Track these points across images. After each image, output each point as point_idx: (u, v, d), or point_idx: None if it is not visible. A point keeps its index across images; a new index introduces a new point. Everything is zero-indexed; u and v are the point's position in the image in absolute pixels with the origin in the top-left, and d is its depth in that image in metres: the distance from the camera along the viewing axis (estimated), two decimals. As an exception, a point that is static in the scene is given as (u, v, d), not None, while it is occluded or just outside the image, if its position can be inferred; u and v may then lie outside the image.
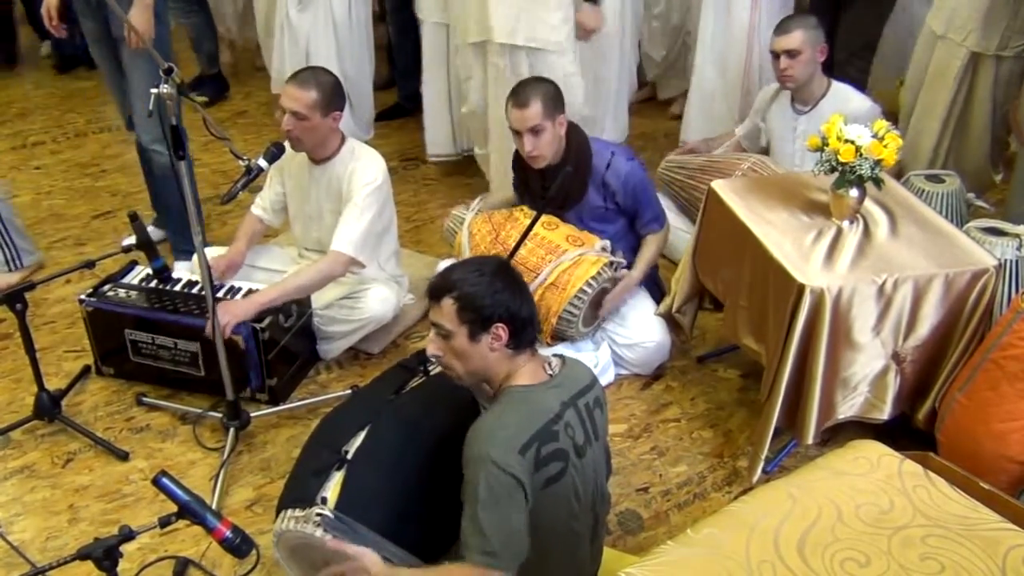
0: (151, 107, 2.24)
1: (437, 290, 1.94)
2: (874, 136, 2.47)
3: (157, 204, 3.71)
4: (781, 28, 3.24)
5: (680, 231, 3.44)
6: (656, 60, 4.76)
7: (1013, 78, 3.44)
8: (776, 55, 3.24)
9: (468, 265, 1.99)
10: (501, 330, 1.89)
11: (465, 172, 4.30)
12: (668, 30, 4.62)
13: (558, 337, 2.92)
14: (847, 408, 2.49)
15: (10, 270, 3.58)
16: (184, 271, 3.09)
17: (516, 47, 3.38)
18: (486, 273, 1.93)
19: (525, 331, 1.93)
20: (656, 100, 4.94)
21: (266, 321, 2.76)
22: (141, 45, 3.10)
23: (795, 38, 3.18)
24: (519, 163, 3.10)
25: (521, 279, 2.00)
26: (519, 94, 2.84)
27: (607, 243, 2.95)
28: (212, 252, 3.12)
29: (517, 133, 2.86)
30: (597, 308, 2.93)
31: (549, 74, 3.22)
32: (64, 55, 5.46)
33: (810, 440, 2.49)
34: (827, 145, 2.51)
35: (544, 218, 2.86)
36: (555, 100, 2.86)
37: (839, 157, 2.47)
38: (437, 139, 4.15)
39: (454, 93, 4.02)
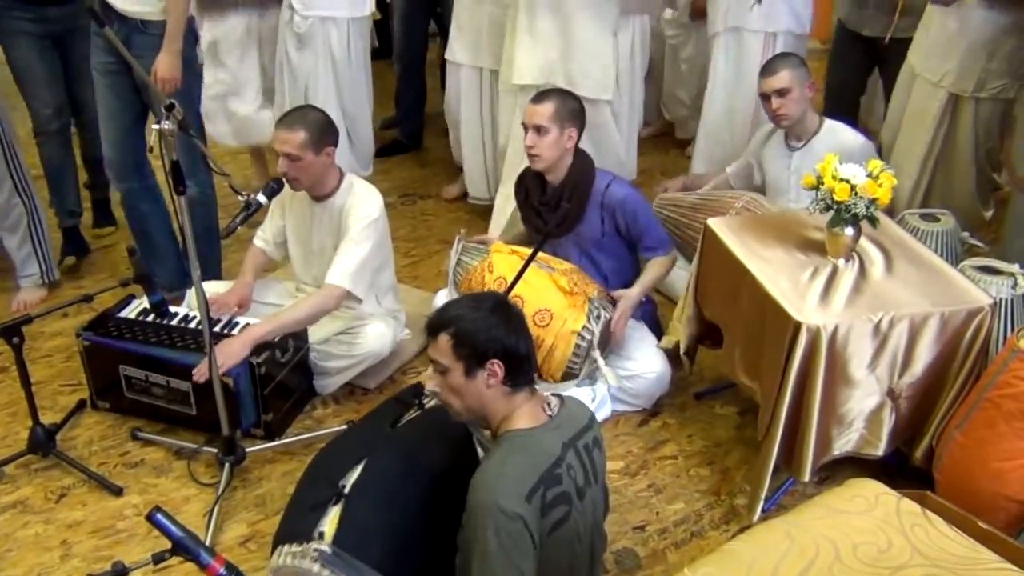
0: (152, 143, 2.26)
1: (434, 326, 1.94)
2: (869, 175, 2.50)
3: (159, 266, 3.69)
4: (767, 70, 3.29)
5: (676, 269, 3.45)
6: (683, 101, 4.81)
7: (994, 118, 3.49)
8: (767, 96, 3.29)
9: (465, 301, 2.00)
10: (497, 367, 1.89)
11: (465, 208, 4.33)
12: (695, 72, 4.67)
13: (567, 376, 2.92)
14: (843, 444, 2.49)
15: (44, 283, 3.56)
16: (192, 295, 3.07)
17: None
18: (483, 309, 1.93)
19: (522, 368, 1.93)
20: (672, 137, 4.98)
21: (262, 356, 2.76)
22: (167, 91, 3.11)
23: (783, 77, 3.23)
24: (522, 182, 3.17)
25: (520, 315, 2.00)
26: (540, 94, 2.98)
27: (595, 296, 2.93)
28: (220, 286, 3.13)
29: (524, 127, 2.96)
30: (603, 345, 2.93)
31: (600, 127, 3.41)
32: None
33: (807, 477, 2.48)
34: (822, 184, 2.53)
35: (542, 255, 2.87)
36: (571, 113, 2.95)
37: (834, 196, 2.49)
38: (474, 182, 4.19)
39: (487, 137, 4.06)
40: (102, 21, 2.48)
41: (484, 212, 4.20)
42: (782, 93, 3.24)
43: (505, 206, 3.76)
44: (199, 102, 3.47)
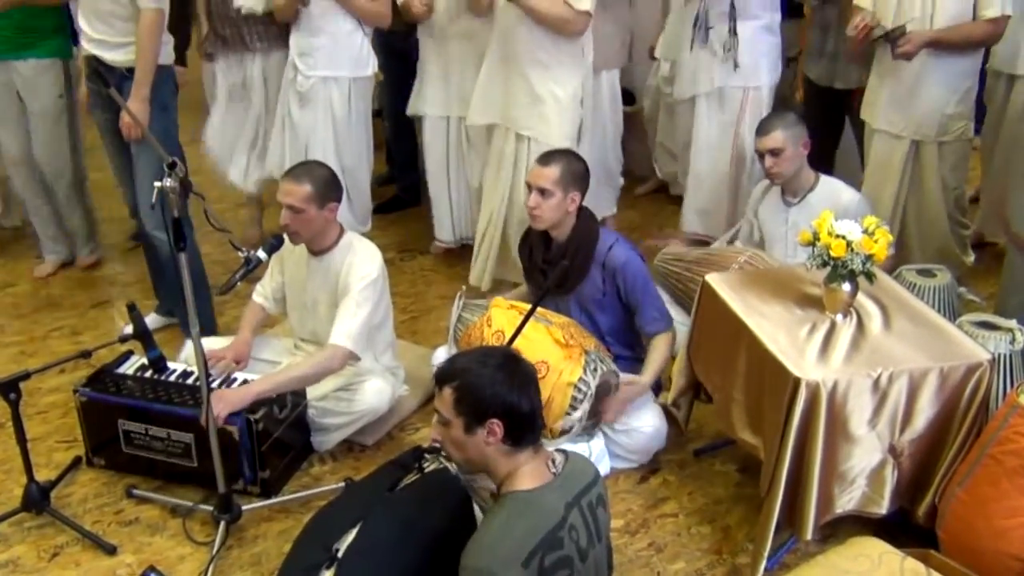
0: (154, 200, 2.28)
1: (441, 377, 1.95)
2: (864, 231, 2.52)
3: (161, 289, 3.74)
4: (762, 129, 3.35)
5: (677, 323, 3.45)
6: (675, 157, 4.86)
7: (959, 160, 3.57)
8: (761, 155, 3.33)
9: (474, 355, 2.00)
10: (496, 426, 1.88)
11: (464, 263, 4.34)
12: (689, 129, 4.73)
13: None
14: (845, 502, 2.46)
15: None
16: (190, 348, 3.08)
17: (520, 136, 3.56)
18: (489, 365, 1.92)
19: (524, 428, 1.91)
20: (667, 194, 5.02)
21: (260, 412, 2.75)
22: (135, 135, 3.20)
23: (776, 137, 3.28)
24: (526, 239, 3.21)
25: (528, 373, 1.97)
26: (547, 155, 3.04)
27: (592, 349, 2.93)
28: (218, 342, 3.13)
29: (528, 187, 3.01)
30: (599, 405, 2.92)
31: None
32: None
33: (809, 535, 2.45)
34: (818, 240, 2.55)
35: (540, 309, 2.87)
36: (576, 177, 3.00)
37: (831, 252, 2.51)
38: (440, 225, 4.32)
39: (453, 184, 4.18)
40: (107, 81, 2.54)
41: (463, 261, 4.21)
42: (775, 152, 3.29)
43: (482, 245, 3.85)
44: (176, 146, 3.53)
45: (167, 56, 3.38)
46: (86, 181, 4.22)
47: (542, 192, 2.96)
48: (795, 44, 4.49)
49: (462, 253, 4.34)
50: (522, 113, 3.60)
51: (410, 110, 4.22)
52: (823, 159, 4.04)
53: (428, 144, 4.19)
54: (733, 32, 3.79)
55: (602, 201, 4.26)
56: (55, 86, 3.88)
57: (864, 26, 3.37)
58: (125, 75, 3.27)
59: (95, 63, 3.28)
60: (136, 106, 3.22)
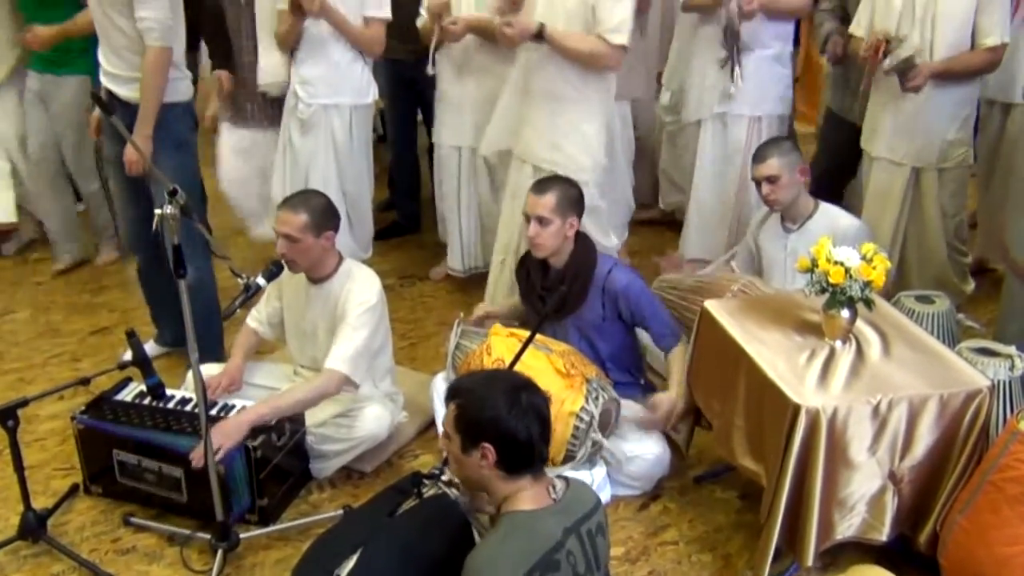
0: (155, 227, 2.29)
1: (450, 392, 1.99)
2: (862, 258, 2.52)
3: (162, 319, 3.74)
4: (758, 157, 3.36)
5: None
6: (681, 186, 4.87)
7: (959, 187, 3.58)
8: (758, 182, 3.35)
9: (485, 376, 2.03)
10: (488, 451, 1.88)
11: (463, 290, 4.35)
12: (692, 158, 4.75)
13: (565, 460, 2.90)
14: (845, 528, 2.45)
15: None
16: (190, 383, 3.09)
17: (539, 169, 3.51)
18: (495, 390, 1.92)
19: (518, 456, 1.90)
20: (670, 221, 5.02)
21: (259, 439, 2.74)
22: (135, 171, 3.19)
23: (772, 165, 3.29)
24: (524, 264, 3.21)
25: (535, 404, 1.95)
26: (541, 183, 3.04)
27: (593, 377, 2.93)
28: (213, 368, 3.12)
29: (527, 218, 3.01)
30: (603, 429, 2.92)
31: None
32: None
33: (810, 562, 2.44)
34: (817, 266, 2.55)
35: (540, 337, 2.88)
36: (572, 202, 3.01)
37: (829, 278, 2.51)
38: (451, 255, 4.32)
39: (463, 214, 4.17)
40: (110, 110, 2.55)
41: (477, 289, 4.20)
42: (771, 180, 3.30)
43: (498, 275, 3.83)
44: (199, 186, 3.53)
45: (182, 93, 3.31)
46: (110, 180, 4.20)
47: (540, 220, 2.97)
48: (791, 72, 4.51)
49: (462, 280, 4.35)
50: (544, 147, 3.53)
51: (433, 138, 4.24)
52: (832, 189, 4.06)
53: (442, 173, 4.19)
54: (738, 60, 3.79)
55: (617, 228, 4.26)
56: (84, 100, 4.11)
57: (875, 44, 3.39)
58: (136, 112, 3.21)
59: (106, 95, 3.25)
60: (138, 143, 3.13)
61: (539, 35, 3.31)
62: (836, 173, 4.22)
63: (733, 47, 3.79)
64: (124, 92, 3.23)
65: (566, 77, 3.43)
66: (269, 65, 3.97)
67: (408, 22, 4.02)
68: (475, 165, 4.09)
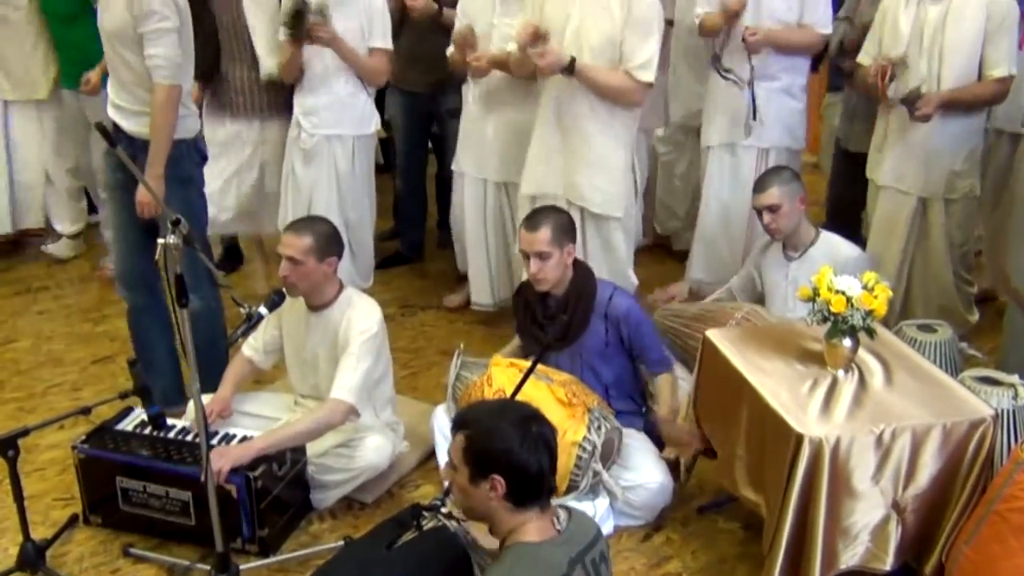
0: (157, 256, 2.30)
1: (457, 421, 1.97)
2: (864, 287, 2.52)
3: (148, 375, 3.71)
4: (759, 186, 3.38)
5: (678, 379, 3.45)
6: (677, 214, 4.91)
7: (966, 218, 3.58)
8: (759, 211, 3.36)
9: (494, 406, 2.02)
10: (498, 483, 1.86)
11: (464, 319, 4.36)
12: (689, 188, 4.78)
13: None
14: (849, 558, 2.43)
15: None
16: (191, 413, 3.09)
17: (572, 204, 3.51)
18: (505, 421, 1.91)
19: (529, 488, 1.89)
20: (667, 249, 5.05)
21: (260, 469, 2.73)
22: (148, 214, 3.19)
23: (772, 194, 3.31)
24: (520, 294, 3.21)
25: (544, 435, 1.95)
26: (532, 218, 3.02)
27: (595, 407, 2.93)
28: (206, 398, 3.11)
29: (525, 255, 3.00)
30: (605, 459, 2.90)
31: (600, 238, 3.52)
32: None
33: (814, 594, 2.42)
34: (818, 295, 2.55)
35: (541, 367, 2.87)
36: (565, 229, 3.01)
37: (831, 307, 2.51)
38: (478, 289, 4.24)
39: (491, 246, 4.13)
40: (113, 141, 2.56)
41: (484, 321, 4.25)
42: (772, 209, 3.32)
43: None
44: (206, 219, 3.52)
45: (188, 129, 3.29)
46: (108, 207, 4.19)
47: (540, 256, 2.97)
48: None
49: (464, 310, 4.35)
50: (574, 182, 3.54)
51: (454, 167, 4.21)
52: (845, 219, 4.07)
53: (466, 205, 4.14)
54: (753, 96, 3.78)
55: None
56: None
57: (881, 68, 3.40)
58: (142, 147, 3.20)
59: (112, 127, 3.25)
60: (150, 184, 3.09)
61: (570, 68, 3.32)
62: (850, 203, 4.24)
63: (751, 81, 3.78)
64: (129, 126, 3.24)
65: (595, 112, 3.44)
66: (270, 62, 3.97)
67: (431, 55, 4.04)
68: (499, 197, 4.06)
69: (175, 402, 3.43)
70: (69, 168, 4.86)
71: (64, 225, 5.01)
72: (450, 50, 3.94)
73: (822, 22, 3.75)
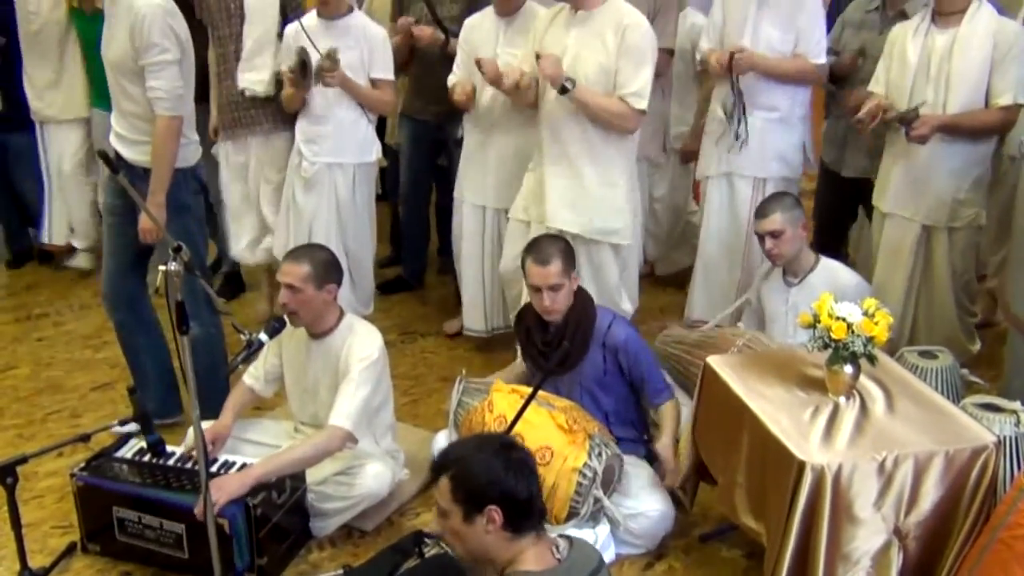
0: (158, 284, 2.30)
1: (436, 467, 1.94)
2: (864, 313, 2.52)
3: (140, 388, 3.72)
4: (761, 212, 3.39)
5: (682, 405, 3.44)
6: (658, 237, 4.93)
7: (968, 247, 3.57)
8: (761, 237, 3.36)
9: (470, 443, 2.00)
10: (495, 513, 1.86)
11: (465, 346, 4.35)
12: (670, 211, 4.82)
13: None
14: (851, 584, 2.42)
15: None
16: (189, 432, 3.09)
17: (563, 230, 3.48)
18: (485, 452, 1.91)
19: (524, 515, 1.89)
20: (654, 276, 5.05)
21: (259, 497, 2.71)
22: (149, 239, 3.23)
23: (775, 220, 3.32)
24: (521, 320, 3.20)
25: (526, 459, 1.97)
26: (540, 251, 3.01)
27: (596, 433, 2.92)
28: (205, 425, 3.10)
29: (536, 289, 2.99)
30: (606, 485, 2.89)
31: (602, 267, 3.54)
32: (16, 251, 5.43)
33: (817, 622, 2.40)
34: (818, 322, 2.55)
35: (542, 393, 2.87)
36: (570, 257, 3.04)
37: (831, 334, 2.51)
38: (470, 315, 4.24)
39: (487, 273, 4.14)
40: (116, 168, 2.57)
41: (483, 347, 4.25)
42: (775, 235, 3.33)
43: None
44: (203, 246, 3.55)
45: (185, 159, 3.33)
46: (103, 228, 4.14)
47: (553, 288, 2.98)
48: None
49: (466, 337, 4.35)
50: (567, 208, 3.52)
51: (456, 194, 4.21)
52: (829, 244, 4.08)
53: (464, 232, 4.16)
54: (740, 119, 3.80)
55: (633, 289, 4.24)
56: None
57: (875, 108, 3.42)
58: (141, 174, 3.26)
59: (114, 154, 3.29)
60: (152, 211, 3.14)
61: (565, 88, 3.33)
62: (833, 228, 4.25)
63: (738, 106, 3.80)
64: (129, 154, 3.29)
65: (590, 139, 3.45)
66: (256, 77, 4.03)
67: (438, 85, 4.05)
68: (497, 225, 4.07)
69: (164, 414, 3.52)
70: (91, 182, 5.04)
71: (80, 240, 5.17)
72: (451, 79, 3.96)
73: (815, 51, 3.76)
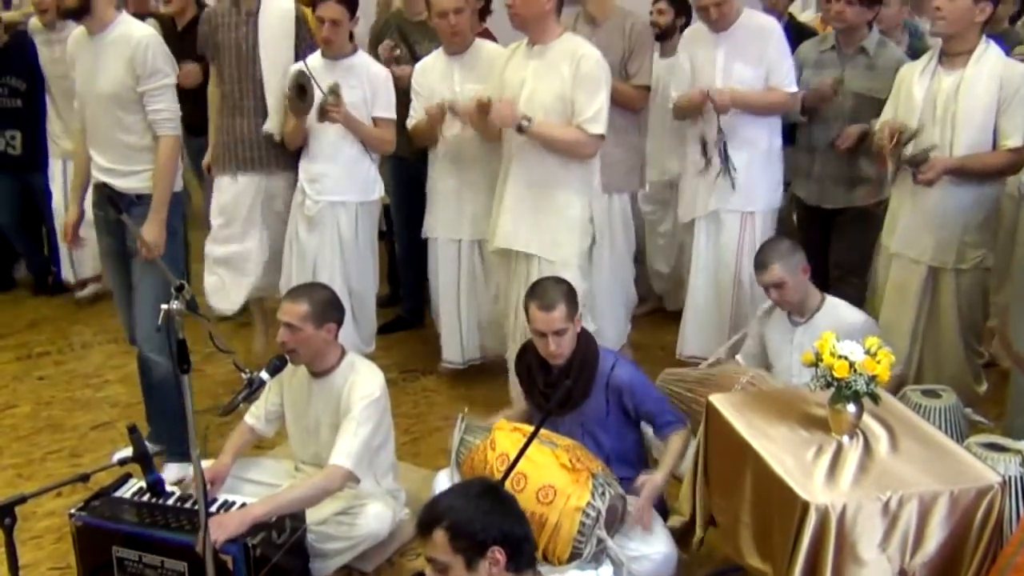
0: (160, 322, 2.30)
1: (426, 523, 1.90)
2: (866, 352, 2.52)
3: (153, 415, 3.72)
4: (759, 265, 3.40)
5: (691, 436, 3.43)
6: (663, 274, 4.94)
7: (975, 289, 3.55)
8: (766, 288, 3.39)
9: (453, 492, 1.99)
10: (498, 553, 1.84)
11: (466, 384, 4.34)
12: (673, 247, 4.84)
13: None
14: (857, 627, 2.38)
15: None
16: (174, 471, 3.19)
17: (530, 256, 3.62)
18: (472, 496, 1.90)
19: (523, 550, 1.88)
20: (664, 312, 5.06)
21: (258, 537, 2.69)
22: (151, 256, 3.27)
23: (775, 272, 3.33)
24: (523, 359, 3.20)
25: (510, 497, 1.98)
26: (543, 296, 3.01)
27: (599, 472, 2.90)
28: (203, 464, 3.09)
29: (541, 334, 2.99)
30: (609, 525, 2.87)
31: None
32: (38, 276, 5.67)
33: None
34: (821, 361, 2.55)
35: (544, 432, 2.85)
36: (573, 300, 3.04)
37: (834, 373, 2.51)
38: (448, 347, 4.31)
39: (463, 306, 4.20)
40: (119, 208, 2.60)
41: (486, 385, 4.23)
42: (778, 285, 3.34)
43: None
44: (183, 271, 3.65)
45: (177, 183, 3.47)
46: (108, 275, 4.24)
47: (558, 333, 2.98)
48: (790, 169, 4.60)
49: (466, 373, 4.34)
50: (532, 232, 3.63)
51: (424, 232, 4.30)
52: (816, 277, 4.08)
53: (439, 266, 4.23)
54: (725, 157, 3.87)
55: (620, 321, 4.27)
56: None
57: (893, 133, 3.42)
58: (135, 201, 3.37)
59: (106, 190, 3.36)
60: (154, 229, 3.32)
61: (521, 127, 3.46)
62: (813, 260, 4.27)
63: (721, 144, 3.86)
64: (123, 184, 3.38)
65: (547, 165, 3.56)
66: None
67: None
68: (472, 257, 4.13)
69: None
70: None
71: (84, 271, 5.29)
72: (411, 122, 4.07)
73: (787, 81, 3.86)
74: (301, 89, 3.77)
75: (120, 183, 3.37)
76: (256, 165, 4.11)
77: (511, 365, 3.90)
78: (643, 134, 4.38)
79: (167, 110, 3.33)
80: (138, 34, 3.28)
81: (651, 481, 2.95)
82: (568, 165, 3.57)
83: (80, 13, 3.25)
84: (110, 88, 3.30)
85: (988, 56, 3.38)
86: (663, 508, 3.10)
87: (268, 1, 4.02)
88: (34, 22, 5.02)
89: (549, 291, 3.04)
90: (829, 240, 4.21)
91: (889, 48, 4.01)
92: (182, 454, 3.07)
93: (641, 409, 3.05)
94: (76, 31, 3.43)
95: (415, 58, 4.31)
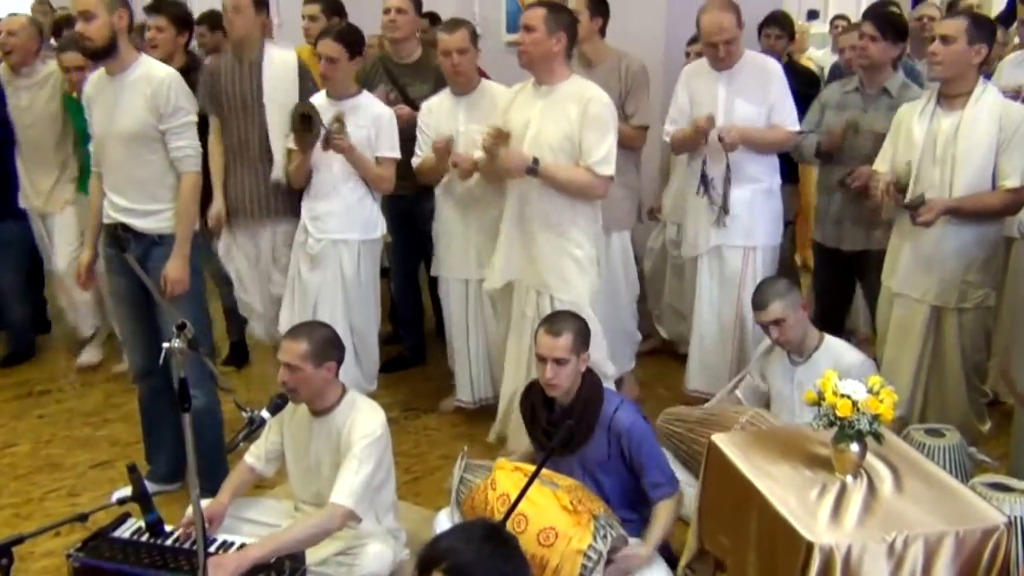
0: (161, 360, 2.30)
1: (425, 564, 1.87)
2: (869, 391, 2.51)
3: (161, 454, 3.73)
4: (757, 304, 3.41)
5: (684, 485, 3.39)
6: (685, 317, 4.93)
7: (978, 328, 3.54)
8: (765, 327, 3.39)
9: (454, 533, 1.96)
10: None
11: (468, 423, 4.32)
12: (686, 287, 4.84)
13: None
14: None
15: None
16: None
17: (542, 295, 3.65)
18: (474, 539, 1.88)
19: None
20: (670, 352, 5.04)
21: (258, 578, 2.67)
22: (177, 291, 3.33)
23: (775, 310, 3.34)
24: (528, 397, 3.20)
25: (513, 540, 1.94)
26: (554, 323, 3.03)
27: (601, 514, 2.87)
28: (203, 503, 3.06)
29: (542, 359, 2.98)
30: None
31: None
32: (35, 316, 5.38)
33: None
34: (823, 400, 2.54)
35: (546, 472, 2.83)
36: (584, 337, 3.03)
37: (836, 412, 2.50)
38: (461, 386, 4.33)
39: (472, 346, 4.22)
40: (124, 247, 2.61)
41: (482, 422, 4.21)
42: (778, 323, 3.34)
43: (507, 409, 3.89)
44: (204, 309, 3.65)
45: (196, 221, 3.50)
46: (116, 313, 4.18)
47: (558, 362, 2.97)
48: (791, 208, 4.63)
49: (468, 413, 4.33)
50: (543, 273, 3.65)
51: (433, 271, 4.34)
52: (834, 321, 4.10)
53: (450, 307, 4.26)
54: (725, 193, 3.90)
55: (621, 358, 4.27)
56: None
57: (887, 185, 3.45)
58: (156, 241, 3.39)
59: (118, 230, 3.38)
60: (178, 266, 3.36)
61: (534, 169, 3.50)
62: (838, 305, 4.29)
63: (725, 181, 3.89)
64: (143, 224, 3.40)
65: (555, 206, 3.59)
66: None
67: (409, 158, 4.15)
68: (481, 297, 4.14)
69: (172, 479, 3.68)
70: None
71: (83, 327, 5.07)
72: (416, 160, 4.10)
73: (790, 120, 3.93)
74: (307, 119, 3.79)
75: (140, 223, 3.39)
76: (267, 214, 4.14)
77: (501, 409, 3.91)
78: (640, 173, 4.42)
79: (189, 146, 3.38)
80: (160, 73, 3.33)
81: (639, 555, 2.85)
82: (575, 206, 3.60)
83: (105, 54, 3.29)
84: (132, 127, 3.33)
85: (987, 97, 3.40)
86: (669, 554, 3.06)
87: (270, 51, 4.08)
88: (2, 68, 4.70)
89: (562, 320, 3.06)
90: (847, 283, 4.20)
91: (912, 90, 3.97)
92: (212, 491, 3.05)
93: (634, 458, 3.00)
94: (93, 75, 3.47)
95: (407, 99, 4.38)
